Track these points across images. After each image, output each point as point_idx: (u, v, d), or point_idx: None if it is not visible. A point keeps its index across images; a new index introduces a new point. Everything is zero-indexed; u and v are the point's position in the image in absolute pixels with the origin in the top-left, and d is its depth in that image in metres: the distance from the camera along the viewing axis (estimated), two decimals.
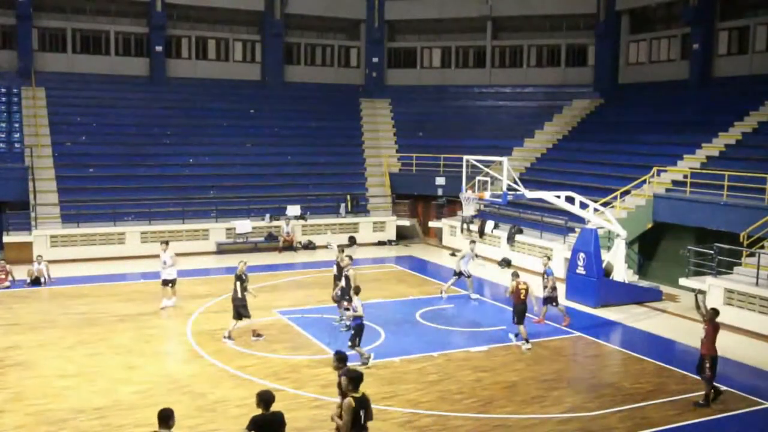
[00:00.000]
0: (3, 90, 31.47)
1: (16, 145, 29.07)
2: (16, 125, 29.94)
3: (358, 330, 14.88)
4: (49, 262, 23.08)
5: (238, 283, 16.52)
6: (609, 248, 21.77)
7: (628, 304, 20.68)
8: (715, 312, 13.21)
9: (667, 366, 15.33)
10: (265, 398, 8.69)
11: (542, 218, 25.56)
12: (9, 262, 24.97)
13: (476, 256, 22.13)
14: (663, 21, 34.64)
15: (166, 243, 20.23)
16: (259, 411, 8.66)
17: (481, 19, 37.71)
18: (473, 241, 22.38)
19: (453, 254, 28.56)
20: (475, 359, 15.64)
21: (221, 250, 27.82)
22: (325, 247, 29.00)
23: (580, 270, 20.69)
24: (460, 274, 21.00)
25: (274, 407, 8.76)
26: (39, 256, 23.18)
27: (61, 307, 19.62)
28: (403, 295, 21.55)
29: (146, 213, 27.53)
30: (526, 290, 16.55)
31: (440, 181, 31.65)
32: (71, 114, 31.72)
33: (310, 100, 36.89)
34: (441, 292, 21.09)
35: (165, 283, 19.68)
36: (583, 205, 20.82)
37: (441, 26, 39.02)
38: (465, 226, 27.31)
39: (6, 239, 25.38)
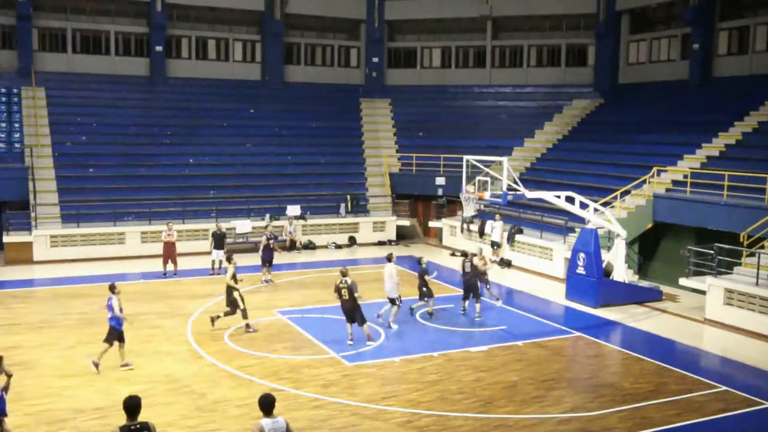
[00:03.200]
0: (3, 90, 31.42)
1: (16, 145, 29.06)
2: (16, 125, 29.92)
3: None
4: (49, 262, 23.07)
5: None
6: (609, 248, 21.77)
7: (628, 304, 20.68)
8: None
9: (667, 366, 15.33)
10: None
11: (542, 218, 25.54)
12: (8, 262, 25.12)
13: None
14: (663, 21, 34.64)
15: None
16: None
17: (481, 19, 37.71)
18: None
19: (453, 254, 28.60)
20: (475, 359, 15.65)
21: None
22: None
23: (580, 270, 20.69)
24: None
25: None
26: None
27: (61, 307, 19.63)
28: (403, 295, 21.46)
29: (146, 213, 27.51)
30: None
31: (440, 181, 31.63)
32: (71, 114, 31.66)
33: (310, 100, 36.84)
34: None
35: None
36: (583, 205, 20.81)
37: (441, 26, 39.01)
38: (465, 226, 27.31)
39: (6, 239, 25.36)
